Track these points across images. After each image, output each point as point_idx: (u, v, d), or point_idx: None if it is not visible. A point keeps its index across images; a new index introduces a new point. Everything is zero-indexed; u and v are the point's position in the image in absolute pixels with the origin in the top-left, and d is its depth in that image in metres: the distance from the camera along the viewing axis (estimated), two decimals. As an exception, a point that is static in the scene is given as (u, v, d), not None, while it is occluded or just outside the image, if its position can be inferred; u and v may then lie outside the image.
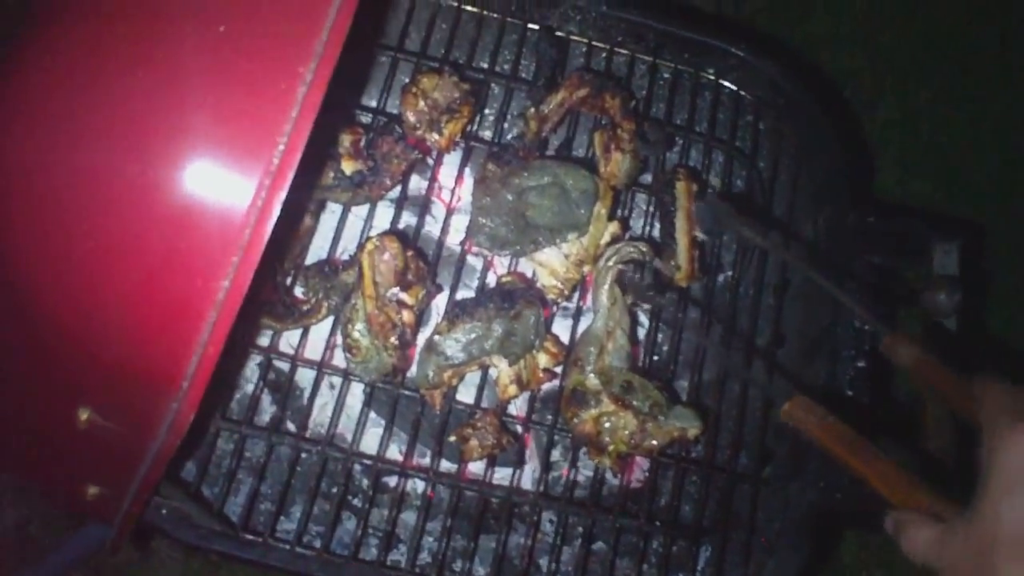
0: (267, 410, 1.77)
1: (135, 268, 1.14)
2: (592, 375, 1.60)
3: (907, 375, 1.36)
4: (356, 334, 1.58)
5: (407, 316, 1.60)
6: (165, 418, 1.20)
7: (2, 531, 1.73)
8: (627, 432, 1.58)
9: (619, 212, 1.80)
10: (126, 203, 1.13)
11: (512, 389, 1.62)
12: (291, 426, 1.73)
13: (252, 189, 1.10)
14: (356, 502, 1.77)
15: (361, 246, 1.60)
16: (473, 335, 1.59)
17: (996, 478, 1.03)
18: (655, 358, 1.82)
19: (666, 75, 1.90)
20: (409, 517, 1.75)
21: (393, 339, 1.58)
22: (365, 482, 1.75)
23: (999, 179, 2.73)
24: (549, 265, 1.67)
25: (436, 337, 1.60)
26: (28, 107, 1.15)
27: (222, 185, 1.11)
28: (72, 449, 1.33)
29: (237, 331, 1.15)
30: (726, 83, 1.88)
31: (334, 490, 1.67)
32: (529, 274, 1.71)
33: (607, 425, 1.58)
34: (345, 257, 1.72)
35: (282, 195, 1.10)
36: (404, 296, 1.60)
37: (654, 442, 1.58)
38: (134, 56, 1.13)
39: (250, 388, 1.71)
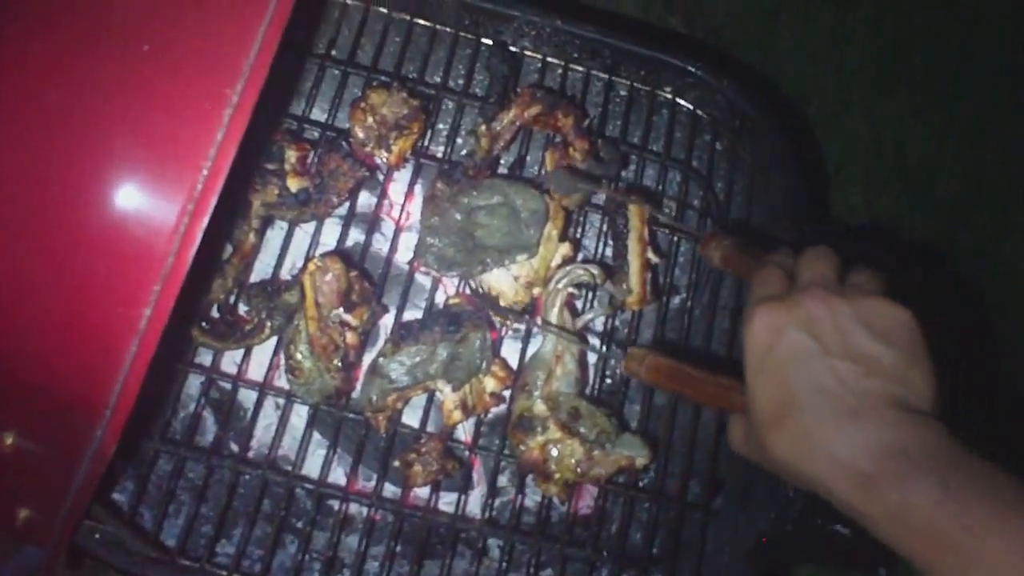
0: (209, 430, 1.73)
1: (54, 293, 1.11)
2: (539, 401, 1.57)
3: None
4: (299, 356, 1.55)
5: (351, 338, 1.57)
6: (90, 445, 1.17)
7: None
8: (574, 460, 1.54)
9: (571, 233, 1.77)
10: (43, 225, 1.09)
11: (457, 414, 1.58)
12: (234, 446, 1.70)
13: (174, 215, 1.07)
14: (299, 524, 1.73)
15: (303, 267, 1.56)
16: (418, 358, 1.55)
17: (747, 359, 1.10)
18: (607, 381, 1.79)
19: (622, 93, 1.87)
20: (352, 541, 1.71)
21: (336, 361, 1.55)
22: (308, 503, 1.72)
23: (962, 196, 2.72)
24: (498, 287, 1.63)
25: (380, 360, 1.56)
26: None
27: (143, 210, 1.08)
28: (-1, 472, 1.29)
29: (166, 354, 1.12)
30: (683, 102, 1.86)
31: (276, 512, 1.63)
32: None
33: (554, 453, 1.54)
34: (292, 274, 1.69)
35: (205, 221, 1.07)
36: (348, 317, 1.56)
37: (601, 471, 1.55)
38: (52, 73, 1.10)
39: (192, 407, 1.67)
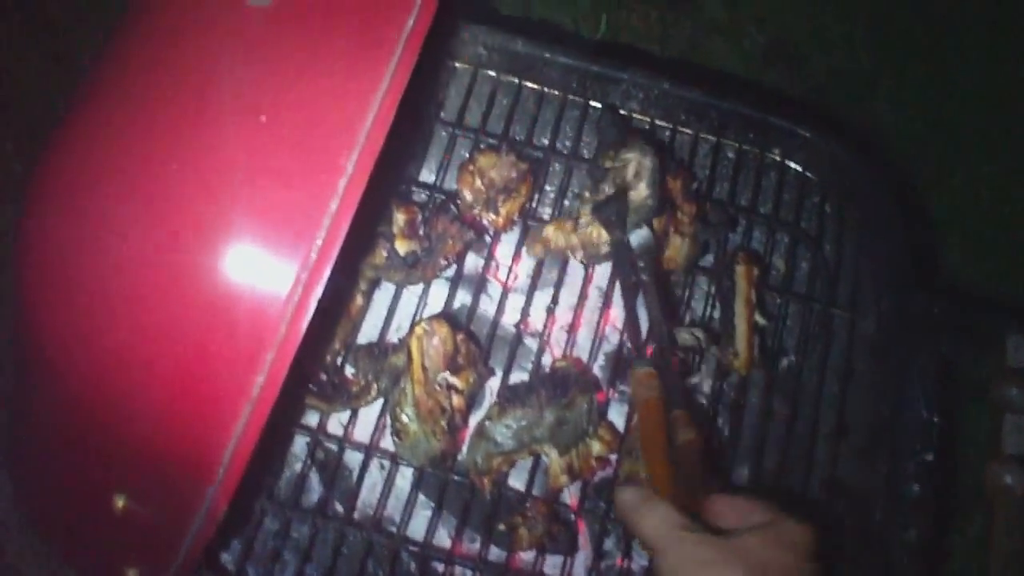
0: (315, 489, 1.73)
1: (169, 359, 1.12)
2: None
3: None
4: (404, 418, 1.55)
5: (457, 400, 1.56)
6: (200, 508, 1.17)
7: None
8: (681, 524, 1.52)
9: (678, 295, 1.76)
10: (161, 293, 1.11)
11: (564, 478, 1.57)
12: (339, 507, 1.70)
13: (289, 284, 1.07)
14: (404, 588, 1.72)
15: (410, 330, 1.56)
16: (524, 422, 1.54)
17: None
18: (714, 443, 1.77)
19: (730, 155, 1.86)
20: (457, 605, 1.70)
21: (442, 423, 1.54)
22: (413, 565, 1.71)
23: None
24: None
25: (487, 423, 1.56)
26: (68, 193, 1.15)
27: (257, 279, 1.08)
28: (109, 534, 1.31)
29: (277, 417, 1.12)
30: (791, 163, 1.84)
31: (380, 574, 1.63)
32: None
33: (660, 517, 1.52)
34: (399, 336, 1.69)
35: (319, 290, 1.07)
36: (455, 380, 1.56)
37: (707, 535, 1.53)
38: (172, 144, 1.12)
39: (298, 467, 1.68)
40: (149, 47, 1.22)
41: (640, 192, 1.61)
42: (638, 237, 1.61)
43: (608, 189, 1.65)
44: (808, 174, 1.84)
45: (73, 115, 1.22)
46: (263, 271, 1.09)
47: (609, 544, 1.76)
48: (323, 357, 1.63)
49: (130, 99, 1.17)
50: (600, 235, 1.64)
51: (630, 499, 1.23)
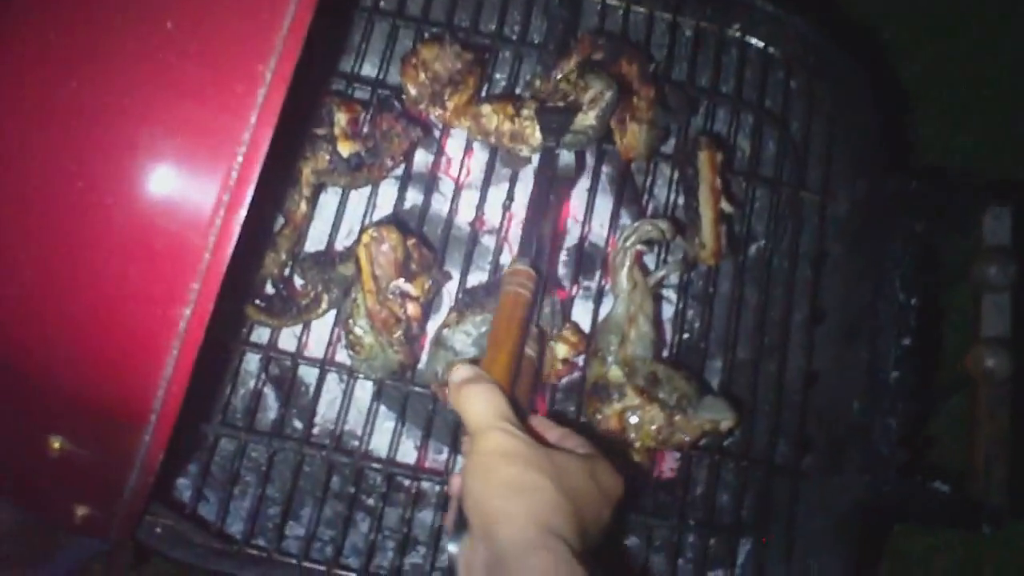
0: (271, 407, 1.67)
1: (87, 296, 1.05)
2: (614, 366, 1.49)
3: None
4: (358, 331, 1.48)
5: (412, 309, 1.49)
6: (139, 450, 1.12)
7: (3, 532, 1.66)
8: (654, 427, 1.46)
9: (640, 183, 1.68)
10: (72, 224, 1.03)
11: (529, 386, 1.51)
12: (297, 424, 1.64)
13: (209, 208, 1.00)
14: (369, 501, 1.66)
15: (358, 238, 1.49)
16: (484, 328, 1.47)
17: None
18: (685, 336, 1.70)
19: (687, 33, 1.77)
20: (426, 517, 1.64)
21: (398, 334, 1.47)
22: (378, 480, 1.65)
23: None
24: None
25: (445, 331, 1.49)
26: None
27: (175, 205, 1.01)
28: (50, 475, 1.26)
29: (221, 337, 1.06)
30: (753, 40, 1.75)
31: (345, 490, 1.57)
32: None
33: (633, 420, 1.47)
34: (349, 242, 1.61)
35: (243, 213, 0.99)
36: (408, 287, 1.48)
37: (684, 436, 1.47)
38: (69, 61, 1.03)
39: (252, 385, 1.60)
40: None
41: (587, 119, 1.52)
42: (564, 158, 1.53)
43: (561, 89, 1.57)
44: (771, 50, 1.75)
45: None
46: (180, 196, 1.01)
47: (581, 447, 1.71)
48: (266, 271, 1.55)
49: (17, 15, 1.07)
50: (534, 135, 1.56)
51: (465, 374, 1.17)
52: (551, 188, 1.45)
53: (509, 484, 1.04)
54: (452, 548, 1.08)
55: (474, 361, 1.32)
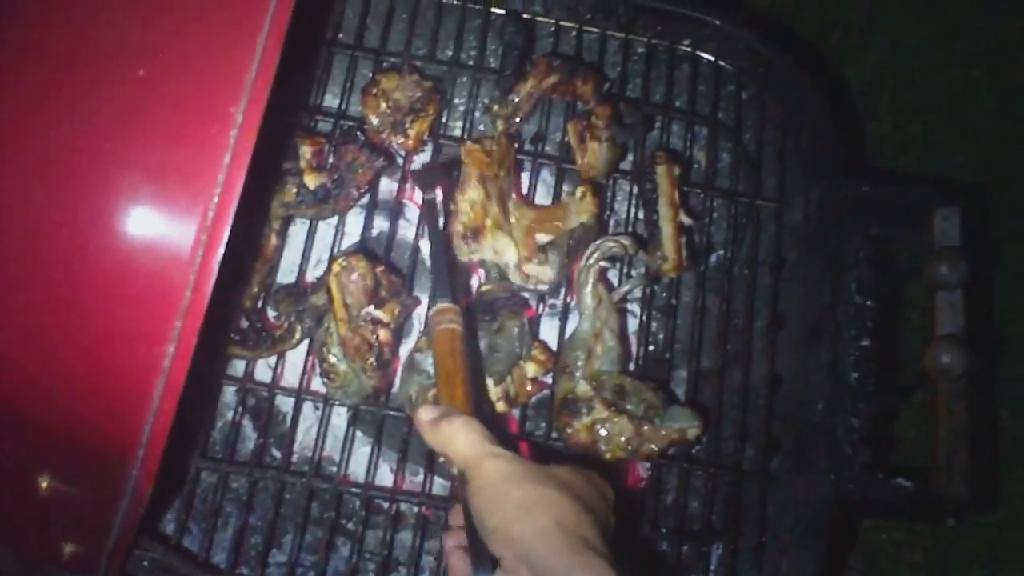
0: (250, 437, 1.69)
1: (76, 337, 1.08)
2: (582, 381, 1.53)
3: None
4: (332, 359, 1.51)
5: (384, 335, 1.52)
6: (127, 483, 1.14)
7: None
8: (623, 438, 1.50)
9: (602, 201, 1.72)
10: (58, 269, 1.06)
11: (501, 406, 1.54)
12: (276, 453, 1.66)
13: (188, 247, 1.03)
14: (349, 525, 1.69)
15: (328, 268, 1.52)
16: (456, 350, 1.50)
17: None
18: (650, 348, 1.74)
19: (640, 50, 1.81)
20: (406, 538, 1.67)
21: (371, 360, 1.50)
22: (357, 504, 1.68)
23: (999, 118, 2.63)
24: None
25: (417, 355, 1.52)
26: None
27: (156, 246, 1.04)
28: (39, 514, 1.28)
29: (202, 372, 1.09)
30: (703, 54, 1.79)
31: (326, 515, 1.59)
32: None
33: (602, 433, 1.50)
34: (320, 272, 1.64)
35: (221, 251, 1.02)
36: (379, 314, 1.51)
37: (652, 446, 1.51)
38: (43, 110, 1.05)
39: (230, 416, 1.63)
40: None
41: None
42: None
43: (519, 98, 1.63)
44: (721, 63, 1.79)
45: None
46: (160, 236, 1.04)
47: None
48: (241, 304, 1.58)
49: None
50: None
51: (433, 414, 1.19)
52: (439, 233, 1.52)
53: (525, 504, 1.06)
54: None
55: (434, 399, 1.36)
